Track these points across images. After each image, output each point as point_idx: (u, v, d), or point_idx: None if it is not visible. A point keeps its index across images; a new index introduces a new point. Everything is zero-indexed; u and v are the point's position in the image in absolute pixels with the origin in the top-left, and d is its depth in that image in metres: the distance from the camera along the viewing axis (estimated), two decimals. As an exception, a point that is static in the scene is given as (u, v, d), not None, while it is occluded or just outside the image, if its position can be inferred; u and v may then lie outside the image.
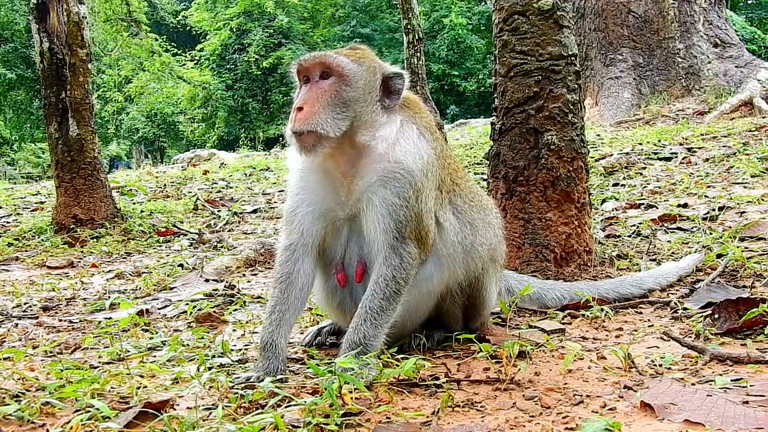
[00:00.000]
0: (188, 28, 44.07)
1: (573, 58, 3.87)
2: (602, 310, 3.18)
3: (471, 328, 3.06)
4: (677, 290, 3.53)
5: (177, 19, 43.01)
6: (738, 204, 5.59)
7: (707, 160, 7.96)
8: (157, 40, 38.16)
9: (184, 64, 40.55)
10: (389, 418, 2.11)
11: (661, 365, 2.47)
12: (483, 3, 43.77)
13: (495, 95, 4.02)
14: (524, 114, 3.85)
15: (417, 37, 11.35)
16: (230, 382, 2.41)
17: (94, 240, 6.48)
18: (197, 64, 42.14)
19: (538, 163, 3.83)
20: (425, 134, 2.96)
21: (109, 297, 4.15)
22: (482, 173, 8.63)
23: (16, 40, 37.51)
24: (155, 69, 37.90)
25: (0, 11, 35.91)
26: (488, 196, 3.54)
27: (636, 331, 2.97)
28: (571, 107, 3.84)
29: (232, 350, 2.87)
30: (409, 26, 11.28)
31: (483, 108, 39.23)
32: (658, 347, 2.72)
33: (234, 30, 41.86)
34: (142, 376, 2.51)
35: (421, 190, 2.81)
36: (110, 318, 3.61)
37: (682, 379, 2.31)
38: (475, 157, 10.51)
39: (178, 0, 44.95)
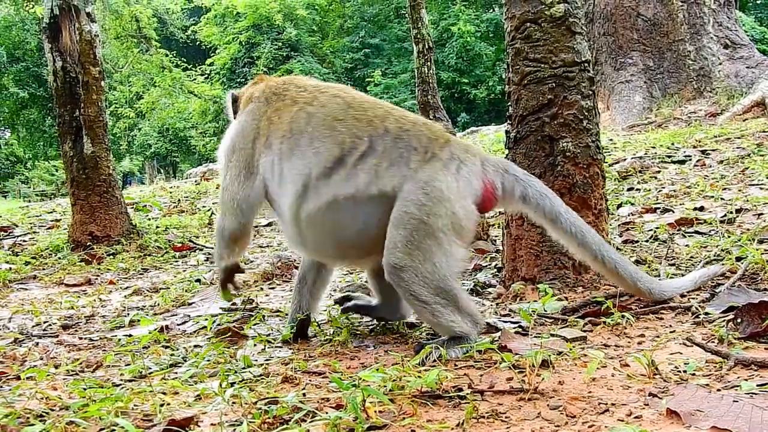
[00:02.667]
0: (198, 42, 44.23)
1: (586, 65, 3.87)
2: (623, 316, 3.16)
3: None
4: (698, 294, 3.50)
5: (186, 34, 43.22)
6: (755, 206, 5.55)
7: (721, 162, 7.92)
8: (167, 55, 38.44)
9: (195, 79, 40.70)
10: (414, 431, 2.10)
11: (685, 371, 2.45)
12: (491, 10, 43.85)
13: (509, 103, 4.01)
14: (539, 121, 3.84)
15: (427, 47, 11.32)
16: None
17: (111, 257, 6.50)
18: (208, 78, 42.24)
19: (554, 171, 3.82)
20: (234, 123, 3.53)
21: (128, 314, 4.17)
22: None
23: (28, 59, 37.77)
24: (166, 84, 38.09)
25: (11, 31, 36.16)
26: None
27: (658, 337, 2.94)
28: (586, 113, 3.83)
29: (253, 364, 2.87)
30: (418, 36, 11.26)
31: (494, 115, 39.20)
32: (681, 353, 2.69)
33: (243, 43, 41.99)
34: (164, 393, 2.50)
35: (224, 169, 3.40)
36: (130, 335, 3.62)
37: (707, 385, 2.29)
38: None
39: (188, 15, 45.15)
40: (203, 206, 9.97)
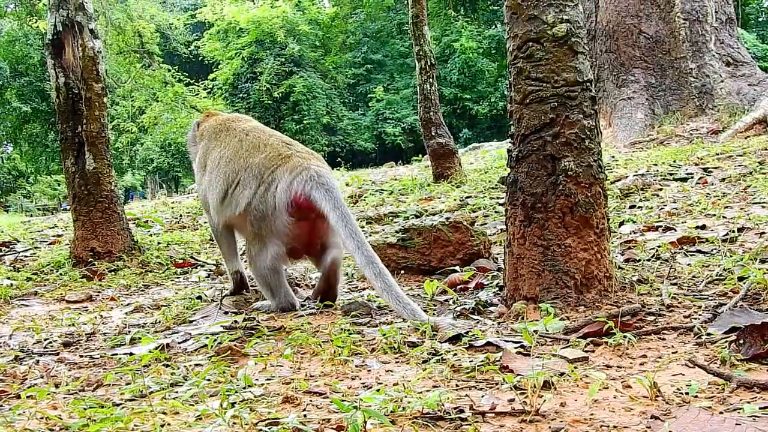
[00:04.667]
0: (200, 58, 44.38)
1: (588, 84, 3.87)
2: (625, 337, 3.15)
3: None
4: (700, 315, 3.50)
5: (189, 49, 43.31)
6: (757, 225, 5.55)
7: (723, 179, 7.92)
8: (169, 70, 38.46)
9: (197, 94, 40.56)
10: (415, 453, 2.10)
11: (687, 393, 2.44)
12: (493, 27, 43.97)
13: (511, 122, 4.01)
14: (541, 141, 3.83)
15: (429, 63, 11.38)
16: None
17: (112, 273, 6.50)
18: (210, 93, 42.28)
19: (556, 190, 3.81)
20: (196, 150, 4.93)
21: (129, 331, 4.16)
22: (498, 197, 8.64)
23: (31, 74, 37.90)
24: (168, 99, 37.87)
25: (14, 46, 36.30)
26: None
27: (660, 358, 2.93)
28: (588, 133, 3.83)
29: (254, 384, 2.86)
30: (421, 52, 11.32)
31: (495, 131, 39.32)
32: (683, 374, 2.68)
33: (246, 59, 42.11)
34: (165, 413, 2.49)
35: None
36: (131, 353, 3.60)
37: (710, 407, 2.28)
38: (489, 181, 10.50)
39: (190, 30, 45.26)
40: (205, 222, 9.96)
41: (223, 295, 4.98)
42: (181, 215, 11.16)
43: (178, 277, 6.33)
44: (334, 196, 4.08)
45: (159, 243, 7.87)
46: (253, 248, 4.30)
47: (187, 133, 5.25)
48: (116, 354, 3.70)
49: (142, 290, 5.90)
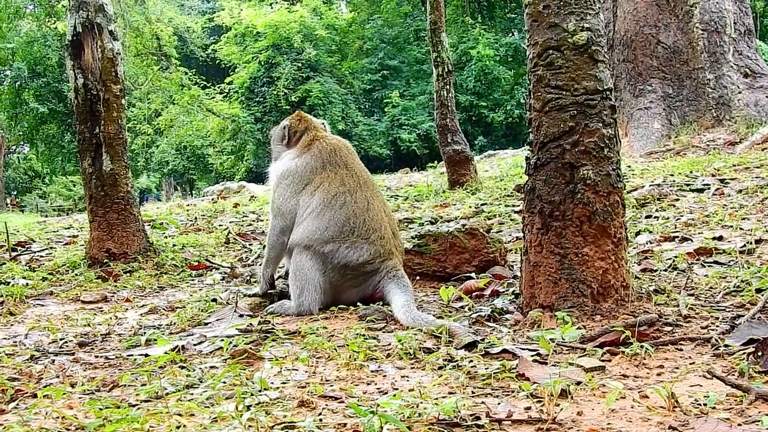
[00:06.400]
0: (217, 61, 44.40)
1: (608, 93, 3.86)
2: (642, 346, 3.14)
3: None
4: (717, 326, 3.48)
5: (206, 52, 43.36)
6: (775, 236, 5.52)
7: (740, 191, 7.88)
8: (186, 73, 38.58)
9: (213, 97, 40.81)
10: (431, 459, 2.09)
11: (705, 405, 2.43)
12: (510, 34, 43.87)
13: (530, 130, 4.00)
14: (560, 148, 3.82)
15: (446, 70, 11.36)
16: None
17: (128, 274, 6.51)
18: (226, 97, 42.32)
19: (574, 198, 3.79)
20: (295, 158, 4.99)
21: (145, 333, 4.16)
22: (513, 205, 8.61)
23: (49, 75, 38.02)
24: (185, 102, 38.25)
25: (33, 47, 36.44)
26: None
27: (678, 368, 2.92)
28: (607, 141, 3.81)
29: (270, 387, 2.86)
30: (438, 59, 11.30)
31: (510, 139, 39.14)
32: (701, 386, 2.67)
33: (262, 63, 42.07)
34: (180, 415, 2.49)
35: (277, 185, 4.96)
36: (147, 354, 3.62)
37: (728, 419, 2.27)
38: (505, 189, 10.46)
39: (208, 34, 45.35)
40: (220, 225, 9.98)
41: (252, 293, 5.05)
42: (196, 218, 11.16)
43: (192, 280, 6.34)
44: (408, 292, 4.46)
45: (174, 245, 7.88)
46: (310, 263, 4.61)
47: (273, 131, 5.50)
48: (131, 355, 3.70)
49: (157, 292, 5.91)
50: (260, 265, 5.30)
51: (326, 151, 4.94)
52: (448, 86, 11.40)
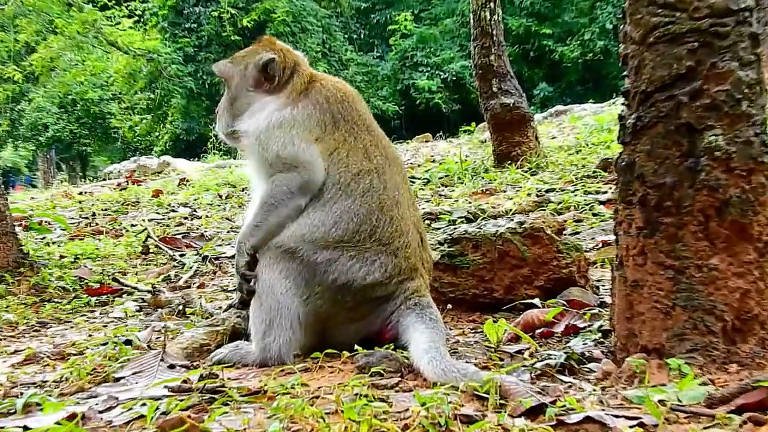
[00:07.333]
0: (125, -33, 32.41)
1: (747, 14, 2.89)
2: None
3: None
4: None
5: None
6: None
7: None
8: (76, -15, 27.28)
9: (119, 23, 30.02)
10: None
11: None
12: None
13: (625, 73, 3.06)
14: (672, 102, 2.86)
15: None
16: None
17: (-12, 303, 5.12)
18: (139, 22, 32.09)
19: (694, 180, 2.83)
20: (287, 108, 3.56)
21: (21, 394, 3.04)
22: (597, 192, 7.13)
23: None
24: (73, 31, 27.28)
25: None
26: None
27: None
28: (746, 91, 2.84)
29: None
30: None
31: (591, 87, 31.13)
32: None
33: (195, -32, 31.18)
34: None
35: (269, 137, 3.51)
36: (26, 428, 2.59)
37: None
38: (583, 166, 8.42)
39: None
40: (132, 225, 8.25)
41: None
42: (94, 213, 9.18)
43: (92, 311, 5.02)
44: (437, 330, 3.31)
45: (62, 257, 6.41)
46: (286, 283, 3.39)
47: (234, 69, 3.77)
48: (3, 428, 2.64)
49: (37, 330, 4.61)
50: (235, 245, 3.77)
51: (335, 100, 3.64)
52: (491, 3, 9.22)
